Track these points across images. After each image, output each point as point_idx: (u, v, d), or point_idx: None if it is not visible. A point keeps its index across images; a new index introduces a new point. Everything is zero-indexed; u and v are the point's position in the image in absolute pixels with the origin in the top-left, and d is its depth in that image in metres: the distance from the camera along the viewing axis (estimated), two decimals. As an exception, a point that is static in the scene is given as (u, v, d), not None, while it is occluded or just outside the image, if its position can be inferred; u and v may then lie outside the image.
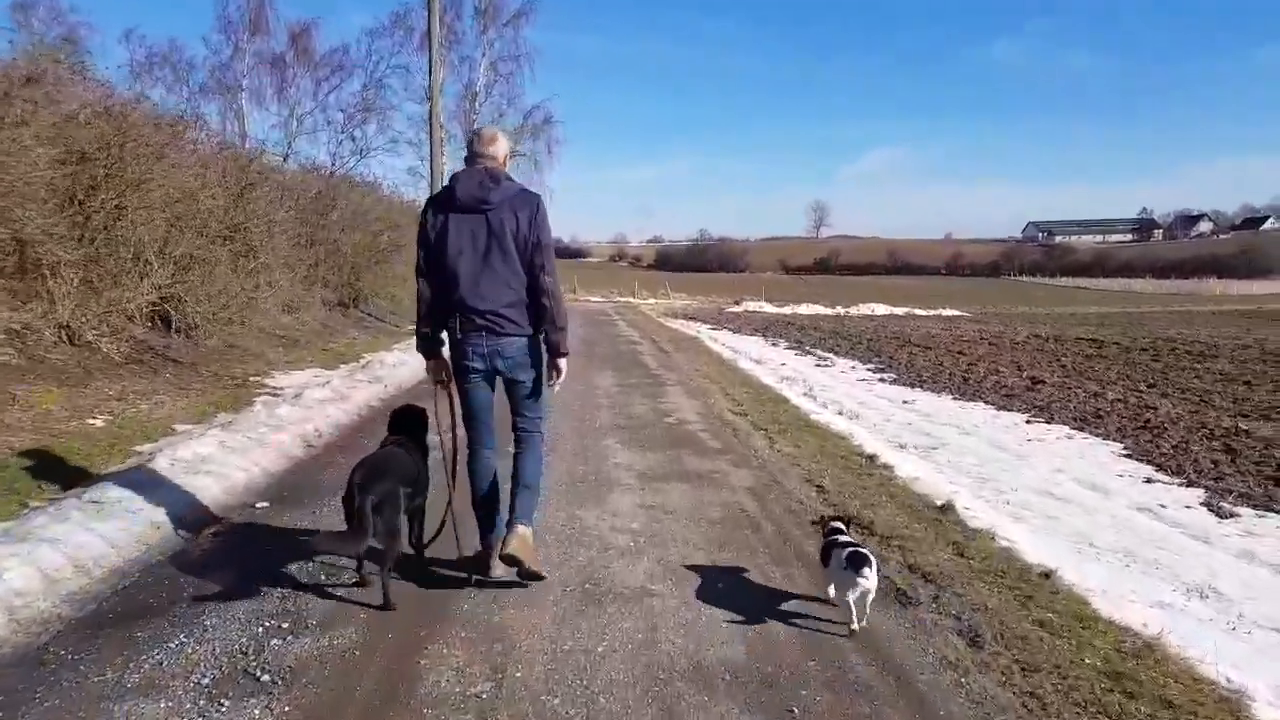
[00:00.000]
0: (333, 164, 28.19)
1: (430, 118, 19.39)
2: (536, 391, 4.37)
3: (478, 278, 4.12)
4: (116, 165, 9.39)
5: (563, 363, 4.32)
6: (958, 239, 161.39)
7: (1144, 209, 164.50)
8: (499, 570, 4.26)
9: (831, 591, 4.14)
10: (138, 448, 6.59)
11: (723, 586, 4.29)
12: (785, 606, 4.10)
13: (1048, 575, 4.69)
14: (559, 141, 42.65)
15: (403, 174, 44.50)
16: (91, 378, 8.34)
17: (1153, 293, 78.63)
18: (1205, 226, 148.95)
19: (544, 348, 4.32)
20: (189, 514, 5.17)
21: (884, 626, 3.92)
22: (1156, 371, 16.24)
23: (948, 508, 5.94)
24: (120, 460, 6.16)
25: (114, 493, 5.04)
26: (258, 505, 5.60)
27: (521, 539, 4.30)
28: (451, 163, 39.01)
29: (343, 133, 34.68)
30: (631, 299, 52.21)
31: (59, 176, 7.89)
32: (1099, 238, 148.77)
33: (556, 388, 4.43)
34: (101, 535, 4.50)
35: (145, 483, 5.32)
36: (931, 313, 43.89)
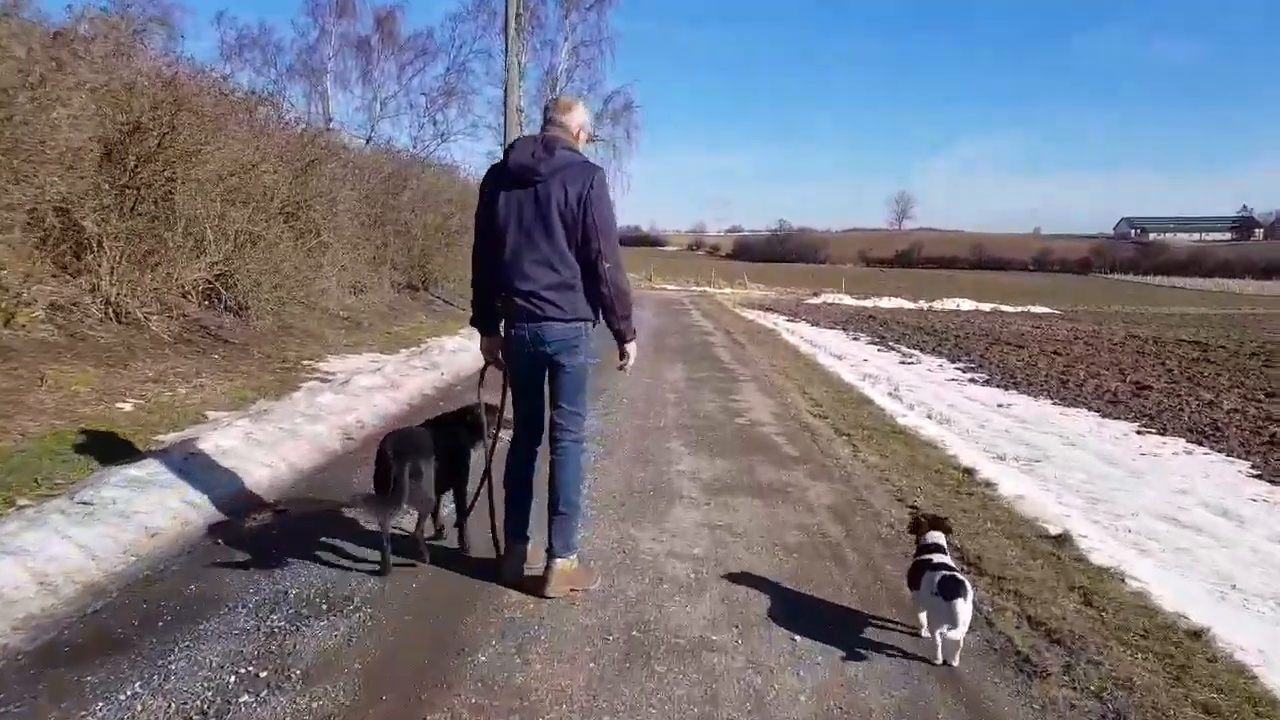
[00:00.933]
0: (414, 147, 28.07)
1: (505, 100, 18.84)
2: (580, 380, 3.88)
3: (520, 255, 3.64)
4: (168, 135, 8.95)
5: (630, 348, 3.99)
6: (1046, 234, 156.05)
7: (1244, 207, 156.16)
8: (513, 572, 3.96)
9: (922, 619, 3.49)
10: (160, 437, 6.06)
11: (800, 640, 3.48)
12: (879, 668, 3.28)
13: (1198, 635, 3.81)
14: (638, 127, 42.10)
15: (482, 158, 44.72)
16: (134, 357, 7.91)
17: (1254, 294, 74.73)
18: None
19: (591, 333, 3.87)
20: (194, 518, 4.59)
21: (1007, 708, 3.08)
22: (1273, 379, 14.84)
23: (1064, 538, 5.06)
24: (137, 451, 5.62)
25: (110, 491, 4.47)
26: (276, 508, 5.00)
27: (562, 575, 3.75)
28: (528, 147, 38.72)
29: (424, 116, 34.76)
30: (708, 288, 51.49)
31: (87, 141, 7.41)
32: (1195, 236, 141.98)
33: (627, 370, 4.14)
34: (82, 544, 3.92)
35: (151, 480, 4.75)
36: (1020, 309, 42.27)
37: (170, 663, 3.10)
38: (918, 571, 3.47)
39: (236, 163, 10.16)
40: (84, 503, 4.34)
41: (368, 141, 26.63)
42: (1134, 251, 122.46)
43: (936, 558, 3.48)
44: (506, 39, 18.16)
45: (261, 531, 4.60)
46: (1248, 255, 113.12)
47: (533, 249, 3.62)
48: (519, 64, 18.79)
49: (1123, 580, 4.45)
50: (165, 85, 9.25)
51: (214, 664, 3.10)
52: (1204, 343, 22.29)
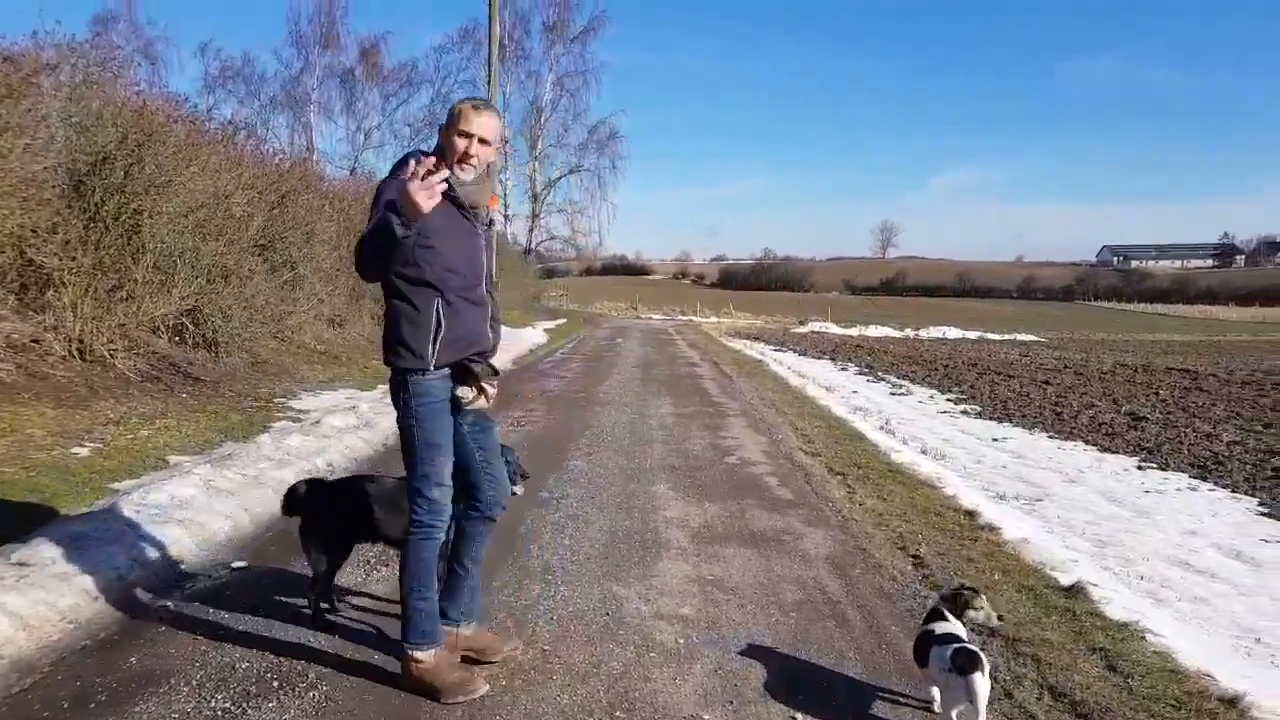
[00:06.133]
0: (396, 177, 28.07)
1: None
2: (405, 440, 3.24)
3: None
4: (135, 166, 8.65)
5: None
6: (1030, 262, 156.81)
7: (1225, 234, 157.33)
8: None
9: (935, 695, 3.14)
10: (115, 484, 5.69)
11: (801, 719, 3.16)
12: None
13: (1233, 702, 3.49)
14: (623, 157, 42.50)
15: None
16: (96, 397, 7.58)
17: (1237, 320, 75.20)
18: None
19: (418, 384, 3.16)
20: (142, 579, 4.24)
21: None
22: (1267, 408, 14.54)
23: (1077, 589, 4.75)
24: (87, 502, 5.23)
25: (50, 550, 4.13)
26: (233, 565, 4.65)
27: (413, 673, 3.26)
28: (514, 177, 38.78)
29: (408, 146, 34.78)
30: (693, 317, 51.46)
31: (44, 171, 7.10)
32: (1177, 263, 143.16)
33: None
34: (13, 612, 3.55)
35: (97, 536, 4.41)
36: (1005, 337, 42.22)
37: (94, 758, 2.75)
38: (925, 643, 3.15)
39: (208, 194, 9.86)
40: (20, 563, 4.00)
41: (352, 172, 26.46)
42: (1117, 279, 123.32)
43: (940, 627, 3.17)
44: (490, 70, 18.04)
45: (216, 592, 4.25)
46: (1231, 282, 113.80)
47: None
48: (503, 94, 18.69)
49: (1143, 637, 4.14)
50: (135, 115, 8.98)
51: (143, 759, 2.75)
52: (1194, 371, 22.08)
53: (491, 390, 3.26)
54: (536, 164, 42.31)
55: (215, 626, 3.80)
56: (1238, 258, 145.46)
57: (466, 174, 3.15)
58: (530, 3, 39.84)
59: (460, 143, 3.10)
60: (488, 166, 3.27)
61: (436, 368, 3.10)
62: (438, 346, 3.09)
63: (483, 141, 3.13)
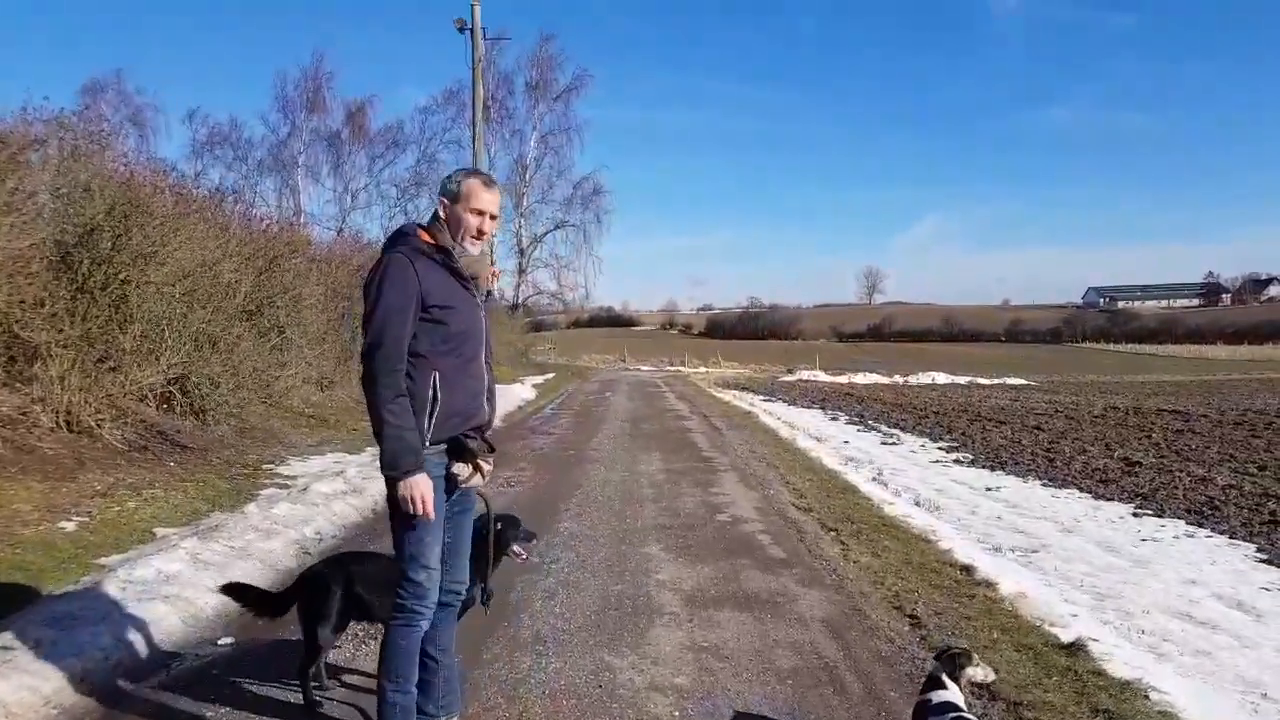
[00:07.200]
0: (384, 238, 28.31)
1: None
2: (396, 522, 3.10)
3: None
4: (122, 237, 8.69)
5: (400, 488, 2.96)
6: (1016, 305, 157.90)
7: (1210, 273, 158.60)
8: None
9: None
10: (101, 560, 5.61)
11: (801, 797, 3.10)
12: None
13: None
14: (608, 211, 43.01)
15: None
16: (83, 469, 7.50)
17: (1226, 359, 75.65)
18: (1276, 290, 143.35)
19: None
20: (128, 659, 4.17)
21: None
22: (1260, 449, 14.55)
23: (1077, 646, 4.70)
24: (73, 579, 5.16)
25: (35, 631, 4.05)
26: (220, 642, 4.58)
27: None
28: (500, 234, 39.21)
29: (395, 206, 35.09)
30: (681, 368, 51.60)
31: (26, 247, 7.12)
32: (1163, 303, 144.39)
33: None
34: (-7, 701, 3.49)
35: (83, 615, 4.34)
36: (995, 381, 42.36)
37: None
38: (921, 715, 3.10)
39: (195, 262, 9.89)
40: (3, 647, 3.92)
41: (339, 233, 26.66)
42: (1104, 320, 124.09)
43: (938, 696, 3.12)
44: (474, 130, 18.30)
45: (202, 672, 4.18)
46: (1219, 320, 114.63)
47: None
48: (488, 153, 18.94)
49: (1147, 696, 4.09)
50: (122, 185, 9.04)
51: None
52: (1185, 412, 22.12)
53: (487, 467, 3.23)
54: (522, 220, 42.83)
55: (201, 710, 3.72)
56: (1223, 296, 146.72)
57: (475, 248, 3.16)
58: (513, 64, 40.64)
59: (473, 220, 3.11)
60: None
61: (431, 443, 3.04)
62: (433, 422, 3.02)
63: (493, 217, 3.18)
